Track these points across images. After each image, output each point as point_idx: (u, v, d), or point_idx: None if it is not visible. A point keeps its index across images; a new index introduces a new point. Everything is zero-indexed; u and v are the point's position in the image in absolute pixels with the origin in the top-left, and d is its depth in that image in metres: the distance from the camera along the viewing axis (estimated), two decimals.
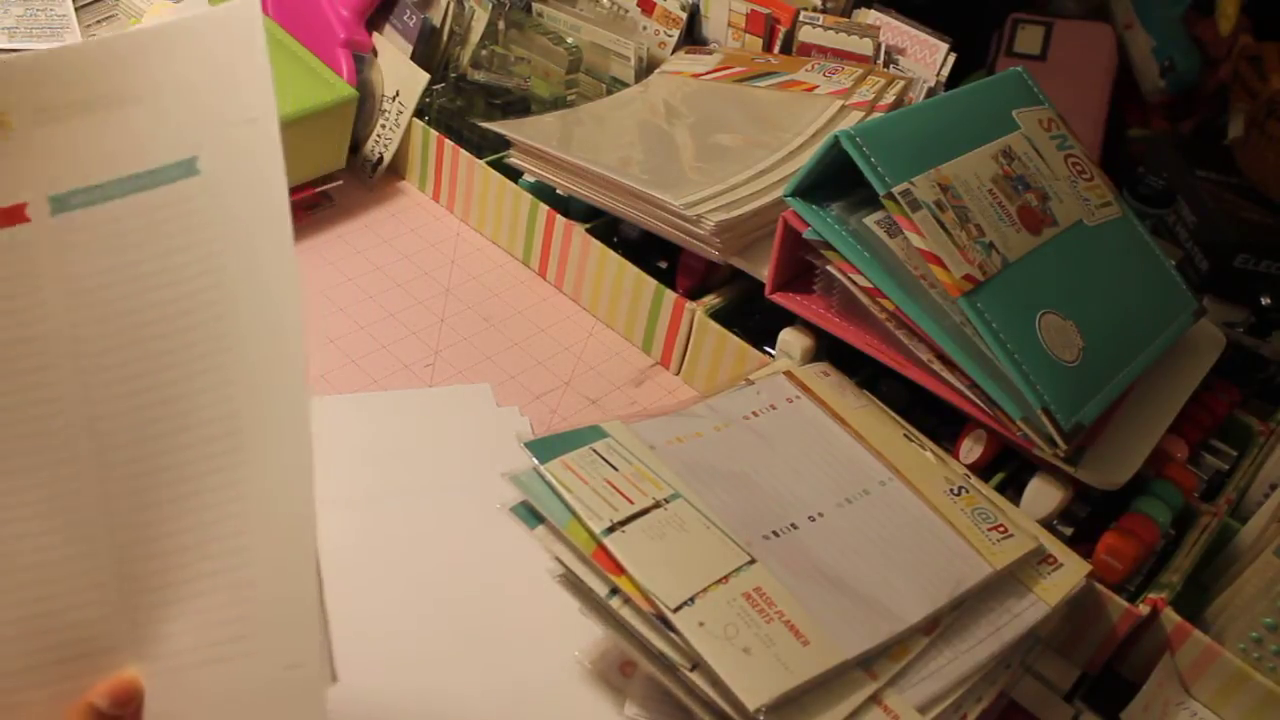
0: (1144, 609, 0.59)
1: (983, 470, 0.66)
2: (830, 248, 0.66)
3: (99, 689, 0.38)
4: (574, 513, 0.53)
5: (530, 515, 0.54)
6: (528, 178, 0.86)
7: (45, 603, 0.38)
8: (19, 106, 0.38)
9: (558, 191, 0.84)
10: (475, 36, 0.97)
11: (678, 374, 0.81)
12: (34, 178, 0.38)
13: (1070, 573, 0.59)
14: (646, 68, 0.97)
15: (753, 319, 0.77)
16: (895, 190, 0.61)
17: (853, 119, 0.83)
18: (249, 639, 0.38)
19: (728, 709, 0.48)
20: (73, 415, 0.38)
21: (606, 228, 0.85)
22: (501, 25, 0.97)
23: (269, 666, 0.38)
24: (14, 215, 0.38)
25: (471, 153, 0.90)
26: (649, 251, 0.82)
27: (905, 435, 0.66)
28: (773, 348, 0.74)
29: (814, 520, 0.57)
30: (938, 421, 0.68)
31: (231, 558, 0.38)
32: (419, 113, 0.93)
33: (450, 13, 0.97)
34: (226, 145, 0.39)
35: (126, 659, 0.38)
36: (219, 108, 0.39)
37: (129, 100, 0.39)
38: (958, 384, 0.64)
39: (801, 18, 0.92)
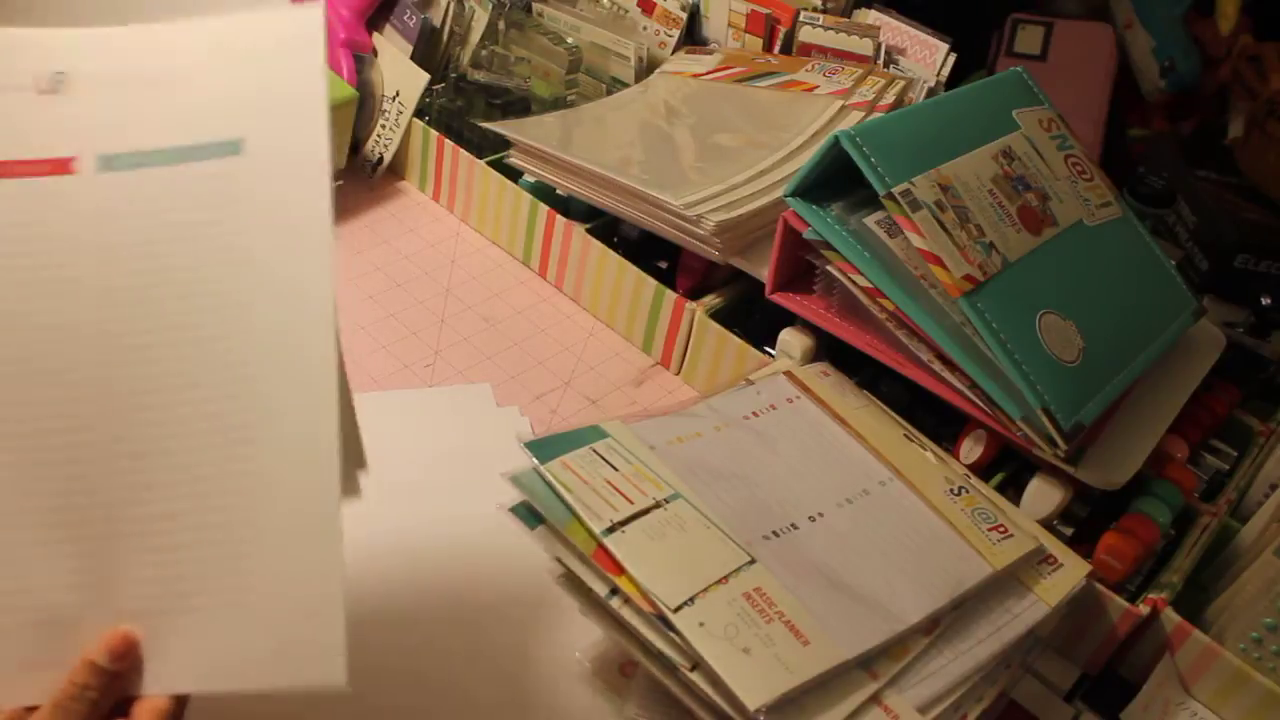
0: (1144, 609, 0.59)
1: (983, 470, 0.66)
2: (830, 248, 0.66)
3: (97, 647, 0.39)
4: (574, 513, 0.53)
5: (530, 515, 0.54)
6: (528, 178, 0.86)
7: (15, 574, 0.39)
8: (82, 69, 0.41)
9: (558, 191, 0.84)
10: (475, 36, 0.97)
11: (678, 374, 0.81)
12: (88, 135, 0.41)
13: (1070, 573, 0.59)
14: (646, 68, 0.97)
15: (753, 319, 0.77)
16: (895, 190, 0.61)
17: (853, 119, 0.83)
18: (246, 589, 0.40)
19: (728, 709, 0.48)
20: (87, 369, 0.40)
21: (606, 228, 0.85)
22: (501, 25, 0.97)
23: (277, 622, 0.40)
24: (60, 166, 0.40)
25: (471, 153, 0.90)
26: (649, 251, 0.82)
27: (905, 435, 0.66)
28: (773, 348, 0.74)
29: (814, 520, 0.57)
30: (938, 421, 0.68)
31: (233, 528, 0.40)
32: (419, 113, 0.93)
33: (450, 13, 0.97)
34: (272, 133, 0.41)
35: (105, 622, 0.40)
36: (271, 97, 0.41)
37: (185, 78, 0.41)
38: (958, 384, 0.64)
39: (801, 18, 0.93)
